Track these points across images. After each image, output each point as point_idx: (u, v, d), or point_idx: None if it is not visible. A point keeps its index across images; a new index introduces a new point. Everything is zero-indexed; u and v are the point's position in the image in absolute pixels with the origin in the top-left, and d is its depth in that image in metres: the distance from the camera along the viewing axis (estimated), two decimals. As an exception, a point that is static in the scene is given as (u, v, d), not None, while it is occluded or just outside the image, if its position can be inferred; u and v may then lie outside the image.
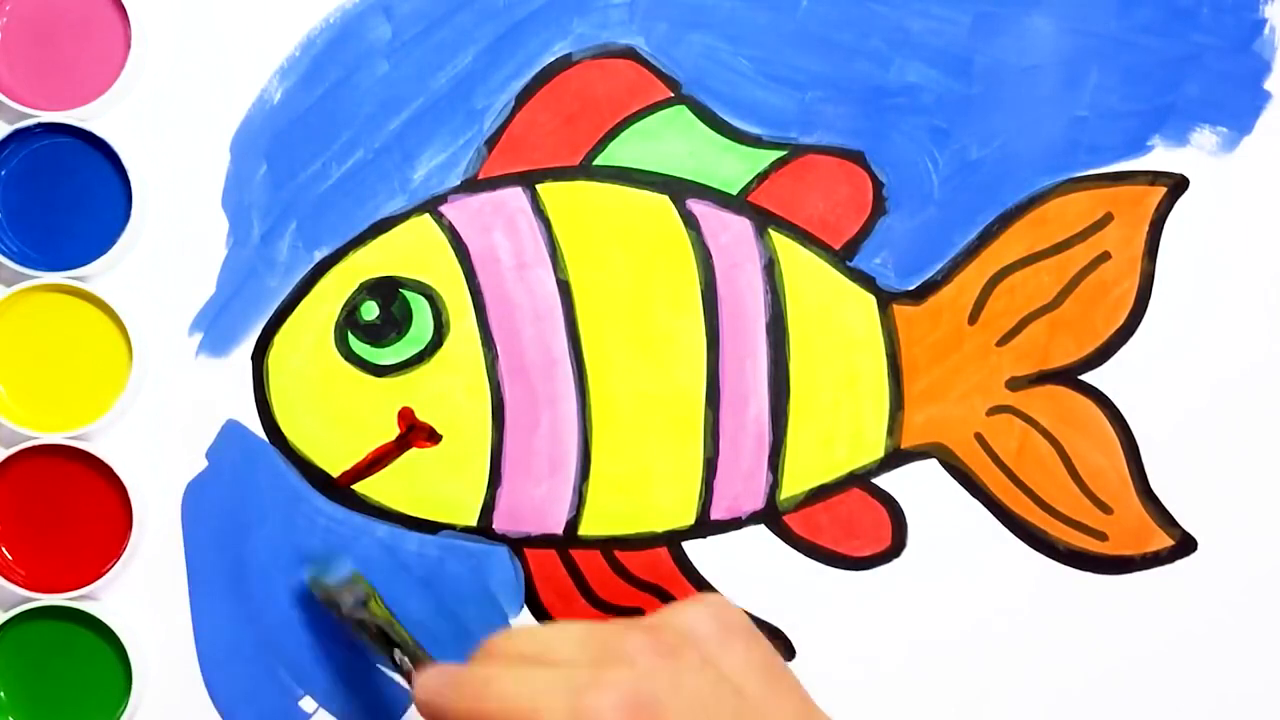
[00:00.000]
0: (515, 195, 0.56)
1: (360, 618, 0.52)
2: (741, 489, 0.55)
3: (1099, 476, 0.55)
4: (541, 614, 0.55)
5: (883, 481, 0.56)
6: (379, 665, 0.56)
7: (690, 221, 0.56)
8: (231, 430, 0.56)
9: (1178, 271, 0.55)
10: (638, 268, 0.55)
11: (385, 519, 0.56)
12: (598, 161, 0.56)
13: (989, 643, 0.55)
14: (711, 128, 0.56)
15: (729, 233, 0.56)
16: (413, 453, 0.55)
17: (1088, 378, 0.55)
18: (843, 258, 0.56)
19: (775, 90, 0.56)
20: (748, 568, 0.55)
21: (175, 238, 0.56)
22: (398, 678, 0.55)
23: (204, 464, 0.56)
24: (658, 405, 0.55)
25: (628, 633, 0.40)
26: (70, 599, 0.54)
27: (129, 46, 0.55)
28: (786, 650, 0.55)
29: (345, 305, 0.56)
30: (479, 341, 0.55)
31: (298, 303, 0.56)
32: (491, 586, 0.56)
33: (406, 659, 0.48)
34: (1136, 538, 0.55)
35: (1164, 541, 0.55)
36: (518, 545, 0.56)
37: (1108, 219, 0.55)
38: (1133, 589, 0.55)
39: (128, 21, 0.55)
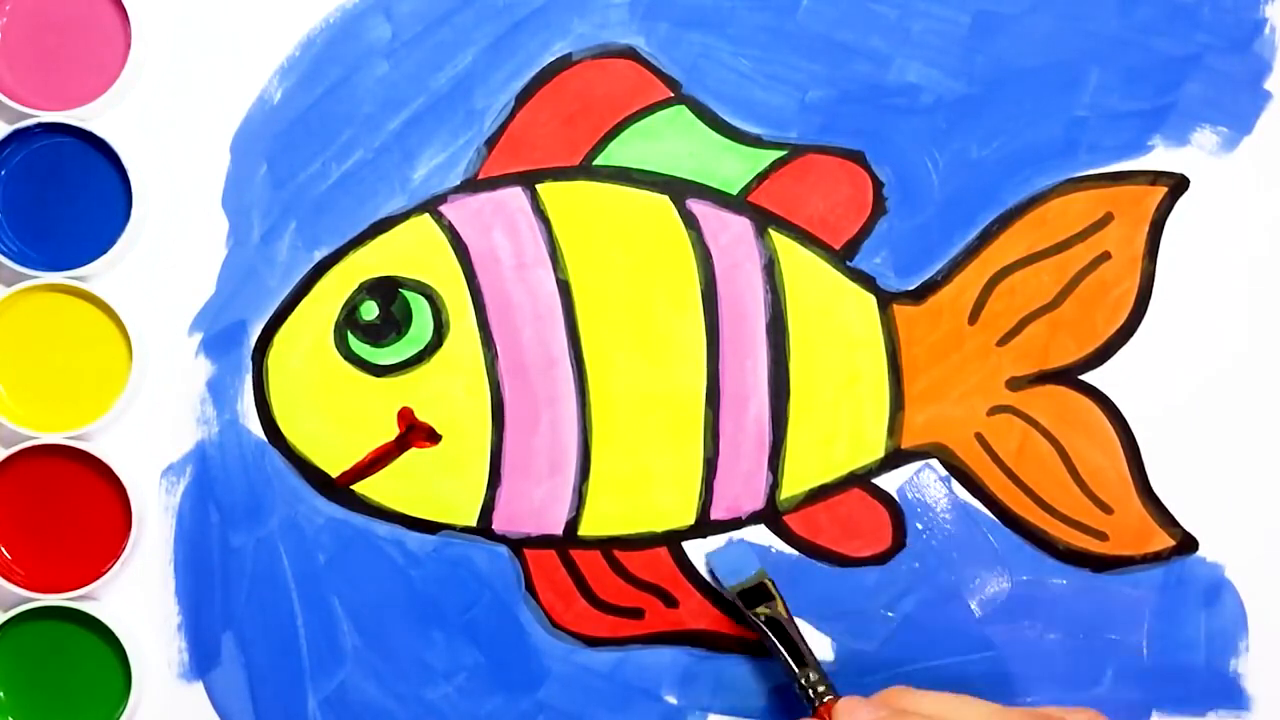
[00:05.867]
0: (515, 195, 0.56)
1: (773, 617, 0.53)
2: (741, 489, 0.55)
3: (1099, 476, 0.55)
4: (541, 613, 0.55)
5: (883, 481, 0.56)
6: (383, 666, 0.56)
7: (690, 221, 0.56)
8: (231, 430, 0.56)
9: (1178, 271, 0.55)
10: (638, 268, 0.55)
11: (385, 519, 0.56)
12: (598, 161, 0.56)
13: (989, 643, 0.55)
14: (711, 128, 0.56)
15: (729, 233, 0.55)
16: (412, 453, 0.55)
17: (1088, 378, 0.55)
18: (843, 258, 0.56)
19: (775, 90, 0.56)
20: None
21: (175, 238, 0.56)
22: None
23: (203, 464, 0.56)
24: (658, 405, 0.55)
25: None
26: (70, 599, 0.54)
27: (129, 46, 0.55)
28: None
29: (345, 305, 0.56)
30: (479, 341, 0.55)
31: (298, 303, 0.56)
32: (491, 587, 0.56)
33: (819, 683, 0.50)
34: (1136, 538, 0.55)
35: (1164, 541, 0.55)
36: (517, 545, 0.56)
37: (1108, 219, 0.55)
38: (1133, 589, 0.55)
39: (128, 21, 0.55)
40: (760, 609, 0.53)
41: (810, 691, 0.50)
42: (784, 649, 0.52)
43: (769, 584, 0.54)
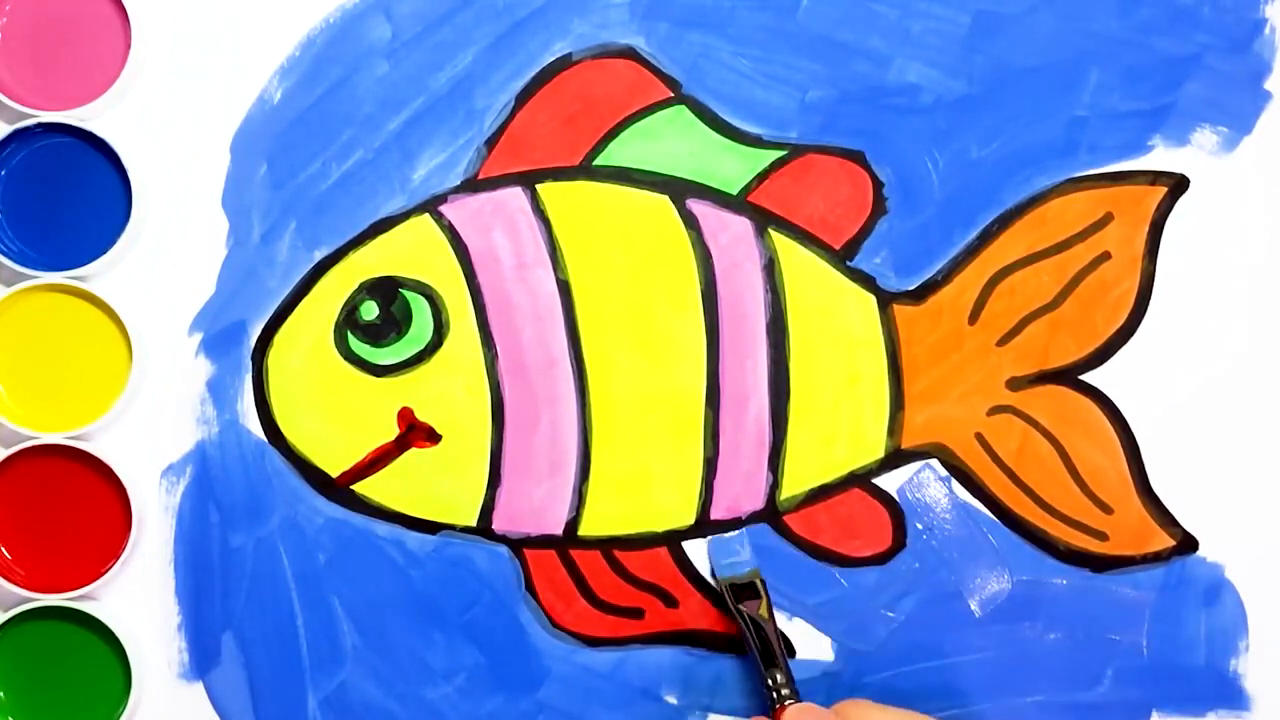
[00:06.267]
0: (515, 195, 0.56)
1: (754, 618, 0.53)
2: (741, 489, 0.55)
3: (1099, 476, 0.55)
4: (541, 613, 0.55)
5: (883, 481, 0.56)
6: (383, 666, 0.56)
7: (690, 221, 0.56)
8: (231, 430, 0.56)
9: (1178, 271, 0.55)
10: (638, 268, 0.55)
11: (385, 519, 0.56)
12: (598, 161, 0.56)
13: (989, 643, 0.55)
14: (711, 128, 0.56)
15: (729, 233, 0.56)
16: (412, 453, 0.55)
17: (1088, 378, 0.55)
18: (843, 258, 0.56)
19: (775, 90, 0.56)
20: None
21: (175, 238, 0.56)
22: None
23: (203, 464, 0.56)
24: (658, 405, 0.55)
25: None
26: (70, 599, 0.54)
27: (129, 46, 0.55)
28: (786, 649, 0.55)
29: (345, 305, 0.56)
30: (479, 341, 0.55)
31: (298, 303, 0.56)
32: (491, 587, 0.56)
33: (783, 686, 0.51)
34: (1137, 538, 0.55)
35: (1164, 541, 0.55)
36: (517, 545, 0.56)
37: (1108, 219, 0.55)
38: (1132, 589, 0.55)
39: (128, 21, 0.55)
40: (745, 605, 0.54)
41: (774, 694, 0.51)
42: (758, 648, 0.52)
43: (759, 583, 0.54)
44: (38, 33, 0.56)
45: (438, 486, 0.55)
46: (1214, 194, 0.55)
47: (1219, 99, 0.55)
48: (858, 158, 0.56)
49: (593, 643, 0.56)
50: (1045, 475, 0.55)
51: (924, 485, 0.56)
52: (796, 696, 0.51)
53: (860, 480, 0.56)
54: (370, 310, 0.55)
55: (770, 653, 0.52)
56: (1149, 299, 0.55)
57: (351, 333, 0.56)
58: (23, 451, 0.54)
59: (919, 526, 0.55)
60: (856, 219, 0.56)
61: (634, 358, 0.55)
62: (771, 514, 0.55)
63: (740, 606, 0.53)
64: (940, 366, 0.56)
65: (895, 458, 0.56)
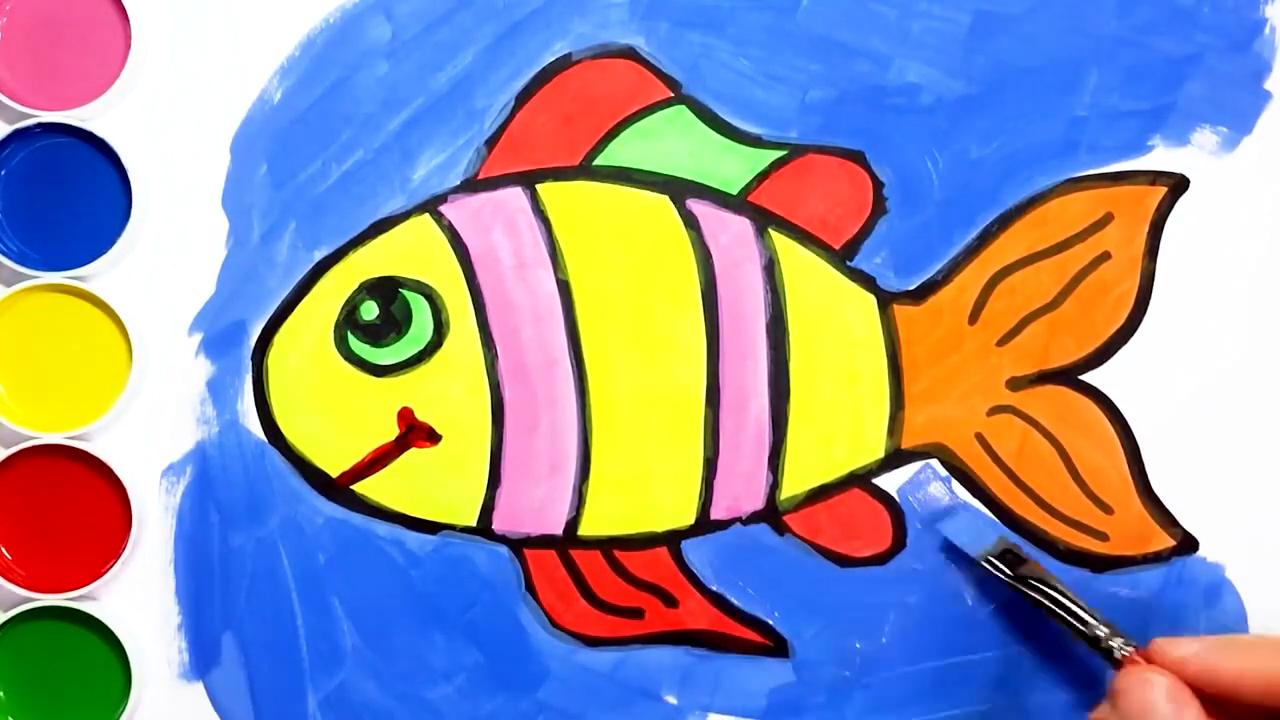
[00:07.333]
0: (515, 195, 0.56)
1: (1043, 583, 0.51)
2: (741, 489, 0.55)
3: (1099, 476, 0.55)
4: (541, 613, 0.55)
5: (883, 481, 0.56)
6: (383, 666, 0.56)
7: (690, 221, 0.56)
8: (231, 430, 0.56)
9: (1178, 271, 0.55)
10: (638, 268, 0.55)
11: (385, 519, 0.56)
12: (598, 161, 0.56)
13: (989, 643, 0.55)
14: (711, 128, 0.56)
15: (729, 233, 0.56)
16: (412, 453, 0.55)
17: (1088, 378, 0.55)
18: (843, 258, 0.56)
19: (775, 90, 0.56)
20: (748, 567, 0.55)
21: (175, 238, 0.56)
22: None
23: (203, 464, 0.56)
24: (658, 405, 0.55)
25: None
26: (70, 599, 0.54)
27: (129, 46, 0.55)
28: (783, 649, 0.55)
29: (345, 305, 0.56)
30: (479, 341, 0.55)
31: (298, 303, 0.56)
32: (491, 587, 0.56)
33: (1112, 635, 0.49)
34: (1137, 538, 0.55)
35: (1165, 541, 0.55)
36: (517, 545, 0.56)
37: (1108, 219, 0.55)
38: (1132, 589, 0.55)
39: (128, 21, 0.55)
40: (1024, 572, 0.52)
41: (1108, 644, 0.49)
42: (1066, 611, 0.50)
43: (1014, 548, 0.53)
44: (38, 33, 0.56)
45: (438, 486, 0.55)
46: (1214, 194, 0.55)
47: (1219, 99, 0.55)
48: (858, 158, 0.56)
49: (593, 643, 0.56)
50: (1045, 475, 0.55)
51: (924, 485, 0.56)
52: (1128, 638, 0.49)
53: (860, 480, 0.56)
54: (370, 310, 0.55)
55: (1076, 611, 0.50)
56: (1149, 299, 0.55)
57: (351, 333, 0.56)
58: (23, 451, 0.54)
59: (919, 526, 0.55)
60: (856, 219, 0.56)
61: (634, 358, 0.55)
62: (771, 514, 0.55)
63: (1023, 575, 0.51)
64: (940, 366, 0.56)
65: (895, 458, 0.56)
